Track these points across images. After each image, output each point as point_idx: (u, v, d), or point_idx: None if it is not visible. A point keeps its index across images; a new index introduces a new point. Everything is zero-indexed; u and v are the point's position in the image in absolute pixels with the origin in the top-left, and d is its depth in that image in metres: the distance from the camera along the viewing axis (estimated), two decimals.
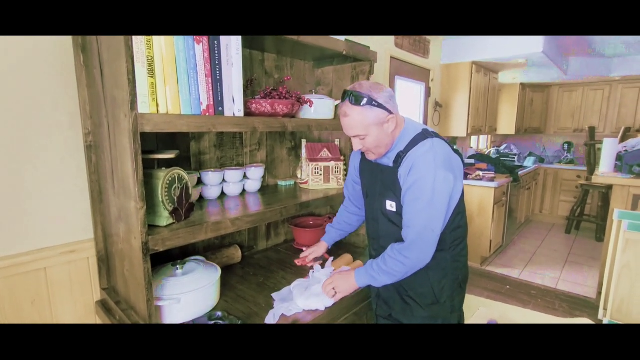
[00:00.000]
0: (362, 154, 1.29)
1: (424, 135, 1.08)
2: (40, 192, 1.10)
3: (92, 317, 1.24)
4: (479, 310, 2.54)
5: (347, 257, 1.50)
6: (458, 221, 1.13)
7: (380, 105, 1.04)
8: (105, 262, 1.21)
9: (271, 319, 1.09)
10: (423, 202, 1.02)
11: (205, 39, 0.98)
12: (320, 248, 1.44)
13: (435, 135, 1.10)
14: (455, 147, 1.14)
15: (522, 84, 4.98)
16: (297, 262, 1.44)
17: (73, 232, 1.18)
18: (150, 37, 0.86)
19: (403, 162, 1.07)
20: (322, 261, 1.46)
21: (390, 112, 1.06)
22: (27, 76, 1.05)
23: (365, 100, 1.03)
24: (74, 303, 1.20)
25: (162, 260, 1.26)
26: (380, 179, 1.17)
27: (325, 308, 1.17)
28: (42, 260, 1.11)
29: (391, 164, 1.12)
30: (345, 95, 1.06)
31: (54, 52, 1.08)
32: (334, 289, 1.18)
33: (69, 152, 1.14)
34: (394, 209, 1.12)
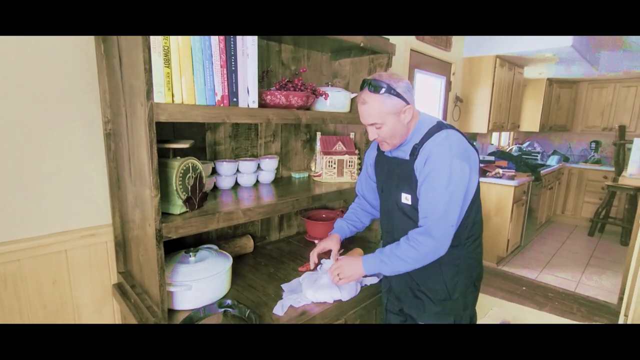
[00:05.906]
0: (378, 149, 1.28)
1: (439, 126, 1.08)
2: (61, 178, 1.14)
3: (109, 299, 1.29)
4: (492, 310, 2.49)
5: (358, 250, 1.49)
6: (473, 217, 1.11)
7: (398, 95, 1.05)
8: (122, 247, 1.25)
9: (279, 309, 1.10)
10: (439, 190, 1.01)
11: None
12: (334, 242, 1.33)
13: (450, 127, 1.10)
14: (472, 142, 1.11)
15: (549, 79, 4.79)
16: (301, 269, 1.41)
17: (92, 217, 1.22)
18: None
19: (419, 154, 1.06)
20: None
21: (407, 103, 1.07)
22: (50, 66, 1.08)
23: (384, 89, 1.04)
24: (93, 285, 1.25)
25: (176, 247, 1.30)
26: (396, 173, 1.16)
27: (334, 301, 1.18)
28: (64, 243, 1.16)
29: (407, 157, 1.11)
30: (364, 83, 1.08)
31: (76, 41, 1.11)
32: (338, 274, 1.17)
33: (90, 139, 1.18)
34: (409, 202, 1.11)
